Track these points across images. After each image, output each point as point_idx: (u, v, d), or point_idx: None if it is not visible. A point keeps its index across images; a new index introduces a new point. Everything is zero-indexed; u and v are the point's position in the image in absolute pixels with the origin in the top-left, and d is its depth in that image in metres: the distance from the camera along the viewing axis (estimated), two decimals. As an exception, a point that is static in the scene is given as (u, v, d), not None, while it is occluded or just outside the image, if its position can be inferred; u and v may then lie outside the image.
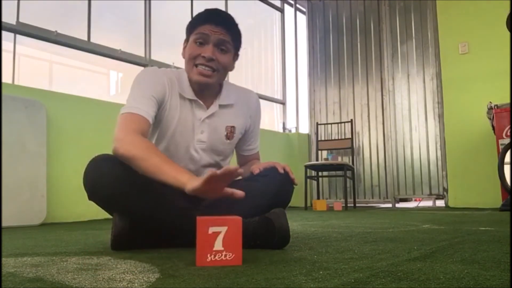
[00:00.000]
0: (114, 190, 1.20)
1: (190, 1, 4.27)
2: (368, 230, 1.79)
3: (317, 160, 4.99)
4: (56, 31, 3.18)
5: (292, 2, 5.82)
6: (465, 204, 4.19)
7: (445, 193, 4.45)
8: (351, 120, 5.04)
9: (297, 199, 4.55)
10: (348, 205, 4.42)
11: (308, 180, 4.63)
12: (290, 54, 5.73)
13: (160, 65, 3.85)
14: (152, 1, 3.91)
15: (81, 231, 2.04)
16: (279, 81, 5.61)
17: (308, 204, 4.52)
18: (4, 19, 2.86)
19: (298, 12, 5.90)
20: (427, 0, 4.77)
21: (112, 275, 0.84)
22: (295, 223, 2.28)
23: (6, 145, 2.53)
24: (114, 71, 3.98)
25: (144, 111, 1.27)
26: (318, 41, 5.62)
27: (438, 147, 4.58)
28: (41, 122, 2.78)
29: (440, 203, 4.64)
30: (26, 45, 3.15)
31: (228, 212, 1.00)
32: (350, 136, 4.95)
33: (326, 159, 4.82)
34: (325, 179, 5.24)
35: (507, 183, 2.98)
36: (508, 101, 3.57)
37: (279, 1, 5.70)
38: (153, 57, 3.86)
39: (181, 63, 1.47)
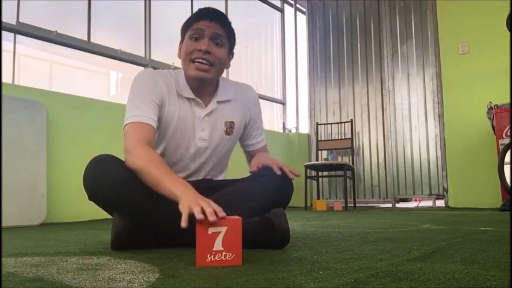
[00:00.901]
0: (115, 191, 1.21)
1: (190, 1, 4.27)
2: (368, 230, 1.79)
3: (317, 160, 4.99)
4: (56, 31, 3.18)
5: (292, 2, 5.82)
6: (465, 204, 4.19)
7: (445, 193, 4.45)
8: (351, 120, 5.04)
9: (297, 199, 4.55)
10: (348, 205, 4.42)
11: (308, 180, 4.63)
12: (290, 54, 5.73)
13: (160, 65, 3.85)
14: (152, 1, 3.91)
15: (81, 231, 2.04)
16: (279, 81, 5.61)
17: (308, 204, 4.52)
18: (4, 19, 2.86)
19: (298, 12, 5.90)
20: (427, 0, 4.77)
21: (112, 275, 0.84)
22: (295, 223, 2.28)
23: (6, 145, 2.53)
24: (114, 71, 3.98)
25: (147, 117, 1.28)
26: (318, 41, 5.62)
27: (438, 147, 4.58)
28: (41, 122, 2.78)
29: (440, 203, 4.64)
30: (26, 45, 3.15)
31: (228, 212, 1.00)
32: (350, 136, 4.95)
33: (326, 159, 4.82)
34: (325, 179, 5.24)
35: (507, 183, 2.98)
36: (508, 101, 3.57)
37: (279, 1, 5.70)
38: (153, 57, 3.86)
39: (180, 63, 1.47)
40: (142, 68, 3.72)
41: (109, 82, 4.05)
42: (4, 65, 2.80)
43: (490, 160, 3.79)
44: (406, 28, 4.93)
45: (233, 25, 1.43)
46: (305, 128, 5.64)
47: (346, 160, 5.05)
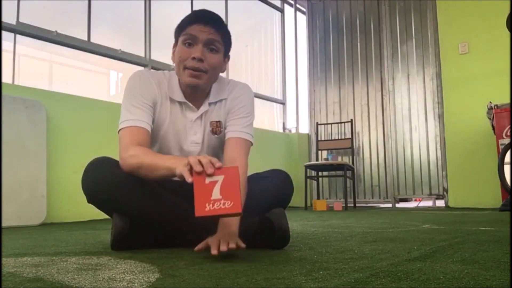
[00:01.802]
0: (113, 193, 1.21)
1: (190, 1, 4.26)
2: (368, 230, 1.79)
3: (317, 160, 4.99)
4: (56, 31, 3.17)
5: (292, 2, 5.82)
6: (465, 204, 4.19)
7: (445, 193, 4.45)
8: (351, 120, 5.04)
9: (297, 199, 4.55)
10: (348, 205, 4.42)
11: (308, 180, 4.63)
12: (290, 54, 5.73)
13: (160, 65, 3.85)
14: (152, 1, 3.91)
15: (81, 231, 2.04)
16: (279, 81, 5.61)
17: (308, 204, 4.52)
18: (4, 19, 2.86)
19: (298, 12, 5.90)
20: (427, 0, 4.77)
21: (112, 275, 0.84)
22: (295, 223, 2.28)
23: (6, 145, 2.53)
24: (114, 71, 3.97)
25: (140, 121, 1.28)
26: (318, 41, 5.62)
27: (438, 147, 4.58)
28: (41, 122, 2.78)
29: (440, 203, 4.64)
30: (26, 45, 3.15)
31: None
32: (350, 136, 4.95)
33: (326, 159, 4.82)
34: (325, 179, 5.24)
35: (507, 183, 2.98)
36: (508, 101, 3.57)
37: (279, 1, 5.70)
38: (153, 57, 3.86)
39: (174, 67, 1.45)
40: (142, 68, 3.72)
41: (109, 82, 4.05)
42: (4, 65, 2.79)
43: (490, 160, 3.79)
44: (406, 28, 4.93)
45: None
46: (305, 128, 5.64)
47: (346, 160, 5.05)
